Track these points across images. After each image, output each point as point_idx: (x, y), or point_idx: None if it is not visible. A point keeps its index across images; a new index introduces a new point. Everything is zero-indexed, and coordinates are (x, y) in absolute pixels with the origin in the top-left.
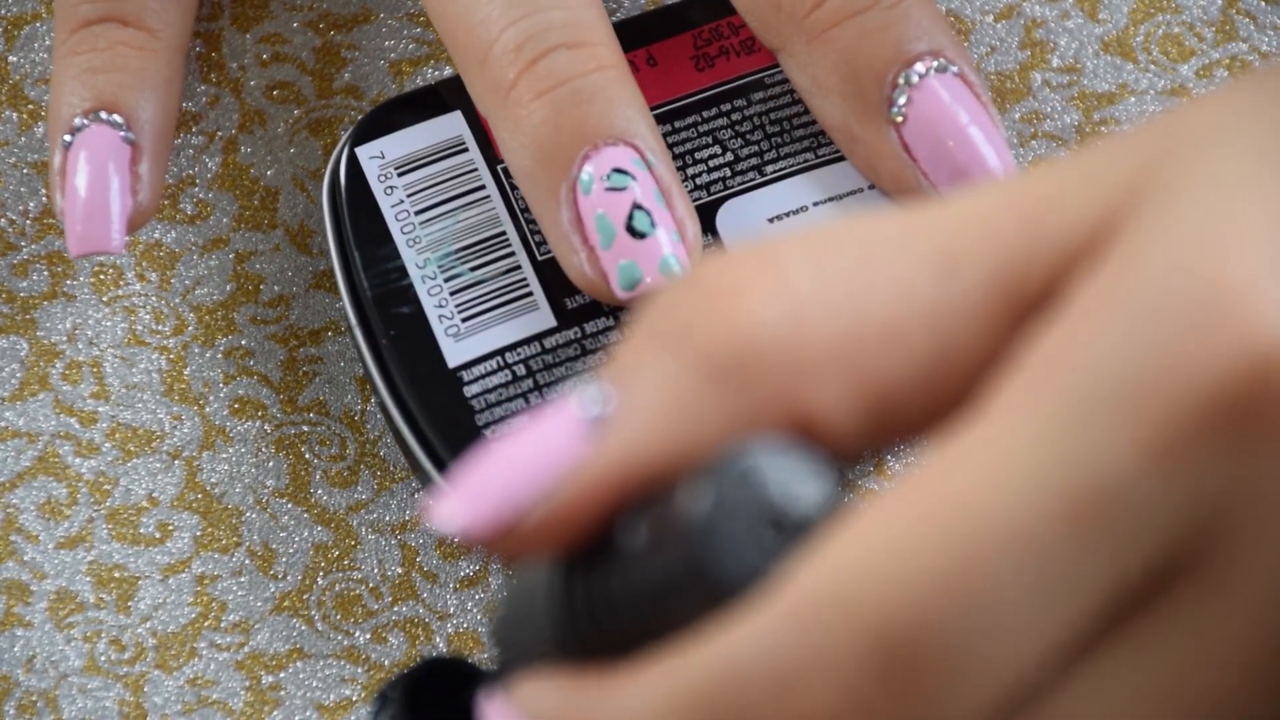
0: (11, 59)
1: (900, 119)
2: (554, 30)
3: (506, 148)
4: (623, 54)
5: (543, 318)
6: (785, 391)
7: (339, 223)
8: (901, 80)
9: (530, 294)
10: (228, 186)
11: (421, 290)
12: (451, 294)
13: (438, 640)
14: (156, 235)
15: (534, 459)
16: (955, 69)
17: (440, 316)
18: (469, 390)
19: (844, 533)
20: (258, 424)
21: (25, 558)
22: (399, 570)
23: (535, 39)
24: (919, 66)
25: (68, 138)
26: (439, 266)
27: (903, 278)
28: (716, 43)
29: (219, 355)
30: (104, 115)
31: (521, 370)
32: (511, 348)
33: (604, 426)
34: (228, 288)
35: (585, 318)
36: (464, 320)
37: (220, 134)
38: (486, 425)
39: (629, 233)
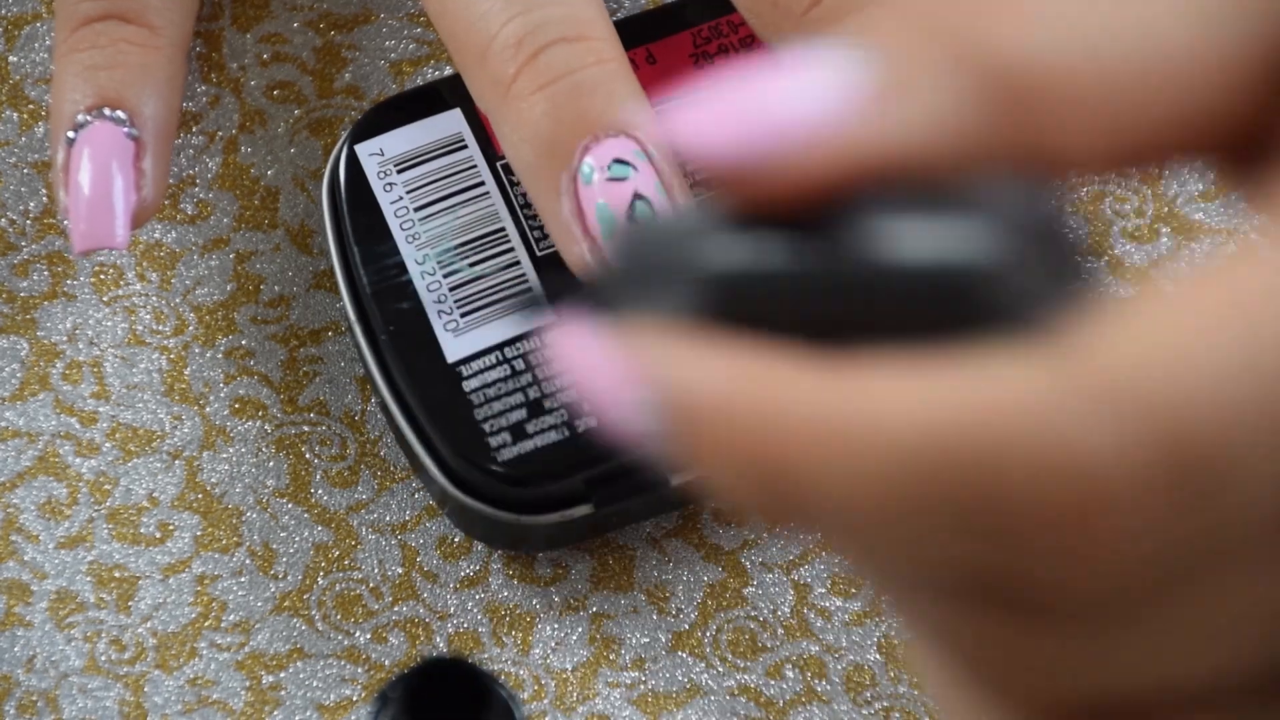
0: (12, 59)
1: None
2: (553, 25)
3: (507, 141)
4: (623, 49)
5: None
6: (1047, 123)
7: (338, 219)
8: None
9: (529, 290)
10: (228, 186)
11: (420, 286)
12: (450, 289)
13: (438, 640)
14: (157, 235)
15: (799, 108)
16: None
17: (439, 312)
18: (468, 385)
19: (1150, 318)
20: (258, 424)
21: (26, 558)
22: (399, 570)
23: (535, 33)
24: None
25: (71, 134)
26: (438, 262)
27: (1185, 10)
28: (716, 40)
29: (219, 355)
30: (107, 112)
31: (520, 365)
32: (510, 342)
33: (871, 104)
34: (228, 288)
35: None
36: (463, 315)
37: (221, 134)
38: (485, 420)
39: (630, 223)
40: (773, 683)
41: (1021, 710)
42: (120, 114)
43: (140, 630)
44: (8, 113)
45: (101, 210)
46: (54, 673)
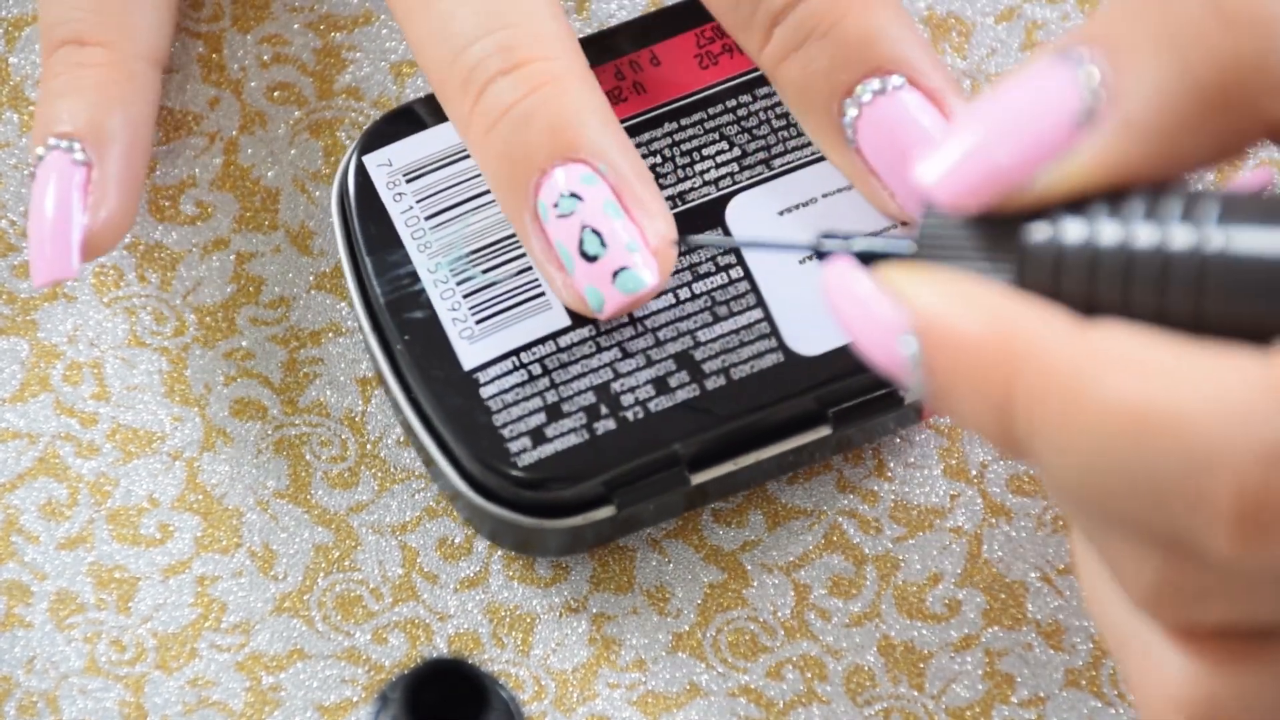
0: (12, 60)
1: (855, 144)
2: (491, 57)
3: (485, 177)
4: (569, 53)
5: (556, 317)
6: (1272, 110)
7: (349, 231)
8: (848, 108)
9: (542, 294)
10: (228, 188)
11: (434, 294)
12: (464, 297)
13: (438, 640)
14: (157, 236)
15: (1019, 140)
16: (896, 80)
17: (454, 320)
18: (485, 391)
19: None
20: (258, 425)
21: (26, 558)
22: (399, 571)
23: (477, 69)
24: (861, 92)
25: (31, 169)
26: (450, 270)
27: None
28: (719, 40)
29: (219, 356)
30: (51, 141)
31: (537, 369)
32: (526, 348)
33: (1097, 127)
34: (228, 289)
35: None
36: (477, 322)
37: (221, 135)
38: (504, 425)
39: (583, 257)
40: (773, 684)
41: (1167, 627)
42: (66, 142)
43: (140, 631)
44: (8, 114)
45: (59, 241)
46: (54, 673)
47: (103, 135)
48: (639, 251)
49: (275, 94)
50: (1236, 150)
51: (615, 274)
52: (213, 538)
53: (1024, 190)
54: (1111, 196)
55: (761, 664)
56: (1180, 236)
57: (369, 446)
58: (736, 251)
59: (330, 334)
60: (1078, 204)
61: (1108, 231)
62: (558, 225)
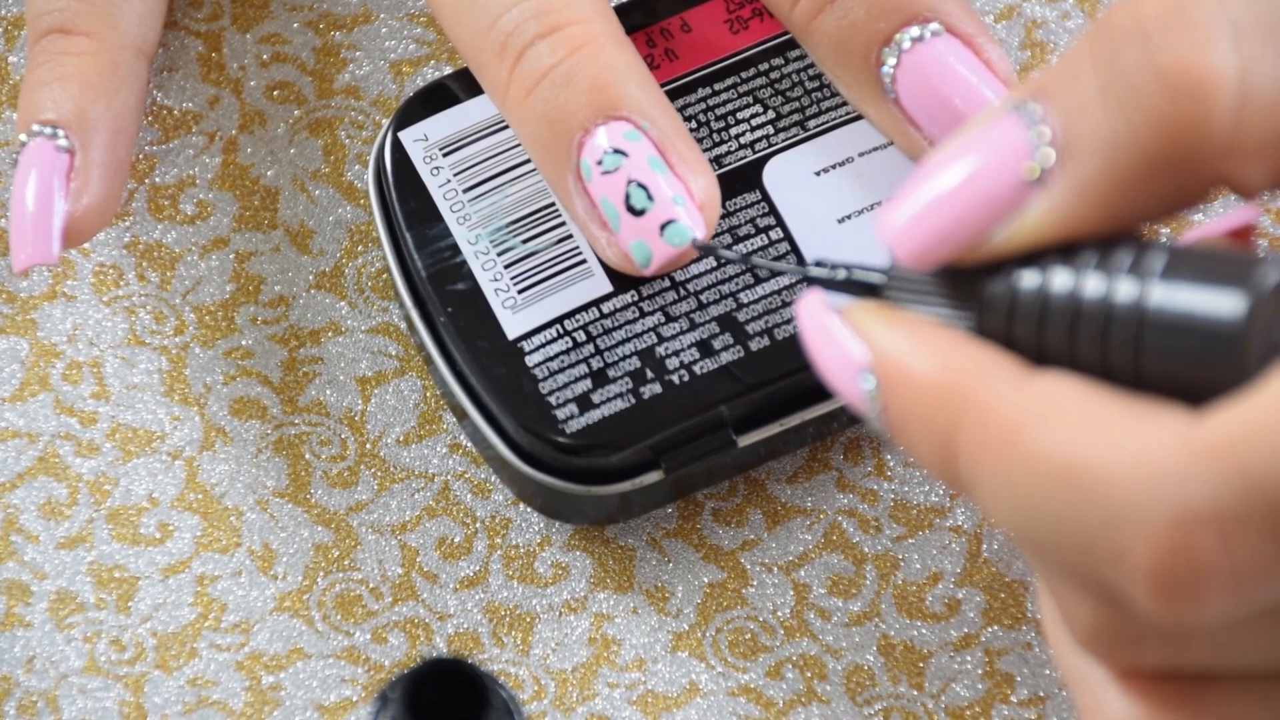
0: (11, 59)
1: (894, 95)
2: (528, 21)
3: (523, 145)
4: (604, 15)
5: (598, 284)
6: (1216, 169)
7: (387, 208)
8: (887, 57)
9: (584, 261)
10: (228, 187)
11: (475, 266)
12: (505, 267)
13: (438, 640)
14: (157, 235)
15: (972, 200)
16: (935, 26)
17: (496, 290)
18: (530, 360)
19: (1274, 388)
20: (258, 424)
21: (25, 558)
22: (399, 570)
23: (514, 35)
24: (900, 39)
25: (15, 155)
26: (491, 241)
27: None
28: (748, 5)
29: (219, 355)
30: (35, 128)
31: (581, 336)
32: (569, 315)
33: (1047, 186)
34: (228, 288)
35: (641, 280)
36: (520, 292)
37: (220, 134)
38: (550, 393)
39: (630, 212)
40: (772, 683)
41: (1110, 667)
42: (49, 129)
43: (140, 630)
44: (7, 113)
45: (40, 227)
46: (54, 673)
47: (86, 123)
48: (685, 205)
49: (275, 93)
50: (1187, 205)
51: (662, 227)
52: (212, 537)
53: (977, 248)
54: (1065, 249)
55: (761, 663)
56: (1124, 290)
57: (368, 446)
58: (774, 211)
59: (330, 333)
60: (1033, 256)
61: (1058, 281)
62: (602, 182)
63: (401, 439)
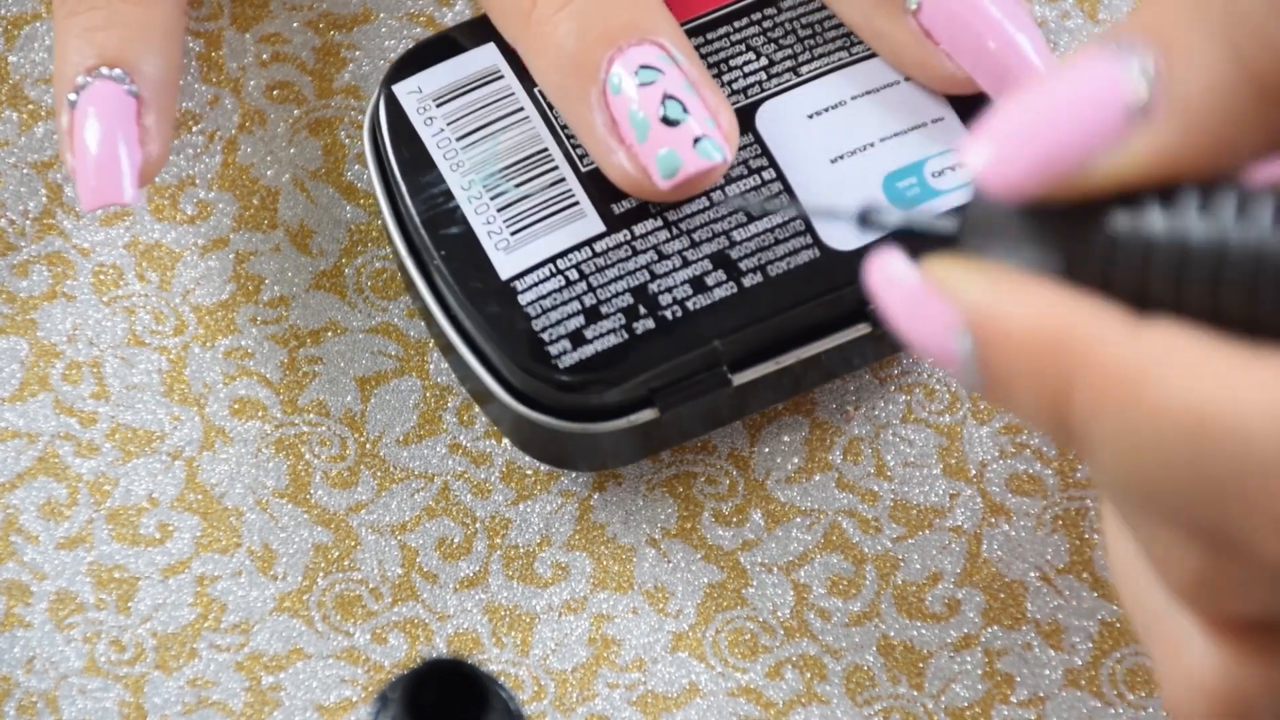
0: (11, 59)
1: (916, 6)
2: None
3: (536, 68)
4: None
5: (591, 224)
6: None
7: (381, 158)
8: None
9: (576, 203)
10: (228, 186)
11: (469, 210)
12: (498, 210)
13: (438, 640)
14: (156, 235)
15: (1072, 127)
16: None
17: (489, 233)
18: (523, 298)
19: None
20: (258, 424)
21: (25, 558)
22: (399, 571)
23: None
24: None
25: (73, 96)
26: (484, 186)
27: None
28: None
29: (219, 356)
30: (105, 71)
31: (574, 275)
32: (563, 254)
33: (1151, 118)
34: (228, 288)
35: (634, 220)
36: (513, 234)
37: (220, 134)
38: (544, 330)
39: (663, 123)
40: (772, 683)
41: (1201, 618)
42: (119, 72)
43: (140, 631)
44: (7, 113)
45: (108, 168)
46: (54, 674)
47: (145, 74)
48: (717, 130)
49: (274, 93)
50: None
51: (696, 140)
52: (212, 537)
53: (1075, 181)
54: (1163, 191)
55: (761, 664)
56: (1237, 233)
57: (368, 446)
58: (767, 153)
59: (330, 333)
60: (1128, 198)
61: (1163, 224)
62: (636, 94)
63: (401, 439)
